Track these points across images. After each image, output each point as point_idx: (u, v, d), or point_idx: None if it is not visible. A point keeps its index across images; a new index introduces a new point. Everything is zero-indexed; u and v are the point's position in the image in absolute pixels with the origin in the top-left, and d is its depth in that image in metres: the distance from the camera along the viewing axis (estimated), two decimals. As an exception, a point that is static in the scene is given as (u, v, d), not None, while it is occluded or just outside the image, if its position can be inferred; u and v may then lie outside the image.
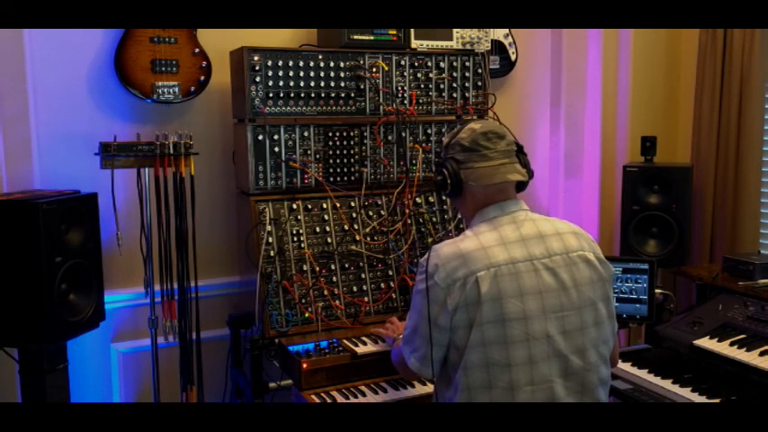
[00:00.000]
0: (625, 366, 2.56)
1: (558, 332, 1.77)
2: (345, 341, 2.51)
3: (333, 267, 2.68)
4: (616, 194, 3.66)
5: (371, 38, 2.79)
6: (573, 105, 3.69)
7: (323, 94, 2.73)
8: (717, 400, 2.27)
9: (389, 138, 2.86)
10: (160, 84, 2.74)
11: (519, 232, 1.84)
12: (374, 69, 2.79)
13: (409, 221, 2.81)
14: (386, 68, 2.80)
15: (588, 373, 1.81)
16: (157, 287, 2.67)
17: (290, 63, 2.66)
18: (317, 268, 2.65)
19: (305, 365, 2.33)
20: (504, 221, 1.87)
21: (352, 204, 2.78)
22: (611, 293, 1.90)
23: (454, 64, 2.94)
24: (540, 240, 1.84)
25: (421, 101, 2.88)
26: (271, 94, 2.64)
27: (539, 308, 1.76)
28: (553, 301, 1.78)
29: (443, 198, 2.91)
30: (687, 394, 2.33)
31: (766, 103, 3.46)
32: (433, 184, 2.00)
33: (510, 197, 1.92)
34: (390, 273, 2.76)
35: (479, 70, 2.99)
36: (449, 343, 1.81)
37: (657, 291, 2.87)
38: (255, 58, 2.60)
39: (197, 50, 2.80)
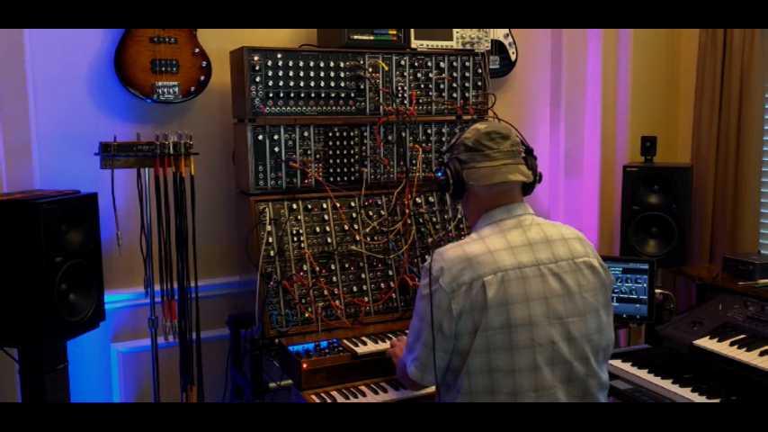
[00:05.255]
0: (625, 366, 2.56)
1: (562, 339, 1.76)
2: (345, 341, 2.51)
3: (333, 267, 2.68)
4: (616, 194, 3.66)
5: (371, 38, 2.79)
6: (573, 105, 3.69)
7: (323, 94, 2.73)
8: (717, 400, 2.27)
9: (389, 138, 2.86)
10: (160, 84, 2.74)
11: (525, 236, 1.83)
12: (373, 69, 2.79)
13: (409, 221, 2.81)
14: (386, 68, 2.80)
15: (590, 379, 1.81)
16: (157, 287, 2.67)
17: (290, 63, 2.66)
18: (317, 268, 2.65)
19: (305, 365, 2.33)
20: (510, 225, 1.85)
21: (352, 204, 2.78)
22: (610, 301, 1.91)
23: (454, 64, 2.94)
24: (547, 245, 1.83)
25: (421, 101, 2.88)
26: (271, 94, 2.64)
27: (544, 313, 1.75)
28: (558, 307, 1.77)
29: (444, 198, 2.91)
30: (687, 394, 2.33)
31: (766, 103, 3.46)
32: (436, 184, 1.99)
33: (515, 200, 1.90)
34: (390, 273, 2.76)
35: (479, 70, 2.99)
36: (452, 350, 1.80)
37: (657, 291, 2.87)
38: (255, 58, 2.60)
39: (197, 50, 2.80)
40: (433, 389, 2.01)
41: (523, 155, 1.93)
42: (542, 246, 1.82)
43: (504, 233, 1.83)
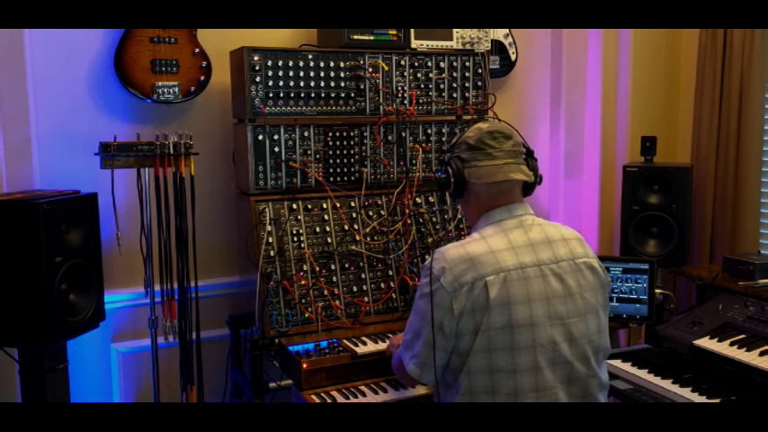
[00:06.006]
0: (625, 366, 2.56)
1: (563, 339, 1.77)
2: (345, 341, 2.51)
3: (333, 267, 2.68)
4: (616, 194, 3.66)
5: (371, 38, 2.79)
6: (573, 105, 3.69)
7: (323, 94, 2.73)
8: (717, 400, 2.27)
9: (389, 138, 2.86)
10: (160, 84, 2.74)
11: (527, 236, 1.83)
12: (373, 69, 2.79)
13: (409, 221, 2.81)
14: (386, 68, 2.80)
15: (591, 380, 1.81)
16: (157, 287, 2.67)
17: (290, 63, 2.66)
18: (317, 268, 2.65)
19: (305, 365, 2.33)
20: (512, 225, 1.86)
21: (352, 204, 2.78)
22: (608, 302, 1.91)
23: (454, 64, 2.94)
24: (548, 245, 1.83)
25: (421, 101, 2.88)
26: (271, 94, 2.64)
27: (545, 314, 1.76)
28: (559, 308, 1.77)
29: (444, 198, 2.91)
30: (687, 394, 2.33)
31: (766, 103, 3.46)
32: (437, 182, 1.98)
33: (516, 200, 1.90)
34: (390, 273, 2.76)
35: (479, 70, 2.99)
36: (452, 349, 1.80)
37: (657, 291, 2.87)
38: (255, 58, 2.60)
39: (197, 50, 2.80)
40: (431, 389, 2.01)
41: (524, 156, 1.94)
42: (543, 246, 1.82)
43: (506, 233, 1.83)
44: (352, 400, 2.30)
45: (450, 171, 1.92)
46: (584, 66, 3.67)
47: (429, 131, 2.91)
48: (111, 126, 2.78)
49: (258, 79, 2.61)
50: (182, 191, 2.63)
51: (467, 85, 2.97)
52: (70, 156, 2.76)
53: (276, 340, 2.52)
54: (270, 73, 2.63)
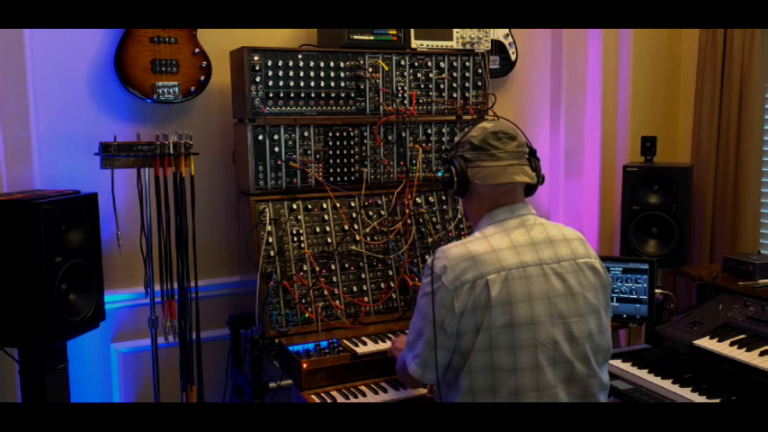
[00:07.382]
0: (625, 366, 2.56)
1: (564, 338, 1.77)
2: (345, 341, 2.51)
3: (333, 267, 2.68)
4: (616, 194, 3.66)
5: (371, 38, 2.79)
6: (573, 105, 3.69)
7: (323, 94, 2.73)
8: (717, 400, 2.27)
9: (389, 138, 2.86)
10: (160, 84, 2.74)
11: (529, 236, 1.83)
12: (373, 69, 2.79)
13: (409, 221, 2.81)
14: (386, 68, 2.80)
15: (591, 380, 1.81)
16: (157, 287, 2.67)
17: (290, 63, 2.66)
18: (317, 268, 2.65)
19: (305, 365, 2.33)
20: (514, 224, 1.86)
21: (352, 204, 2.78)
22: (610, 302, 1.91)
23: (454, 64, 2.94)
24: (550, 245, 1.83)
25: (421, 101, 2.88)
26: (271, 94, 2.64)
27: (546, 313, 1.76)
28: (561, 307, 1.78)
29: (444, 198, 2.91)
30: (687, 394, 2.32)
31: (766, 103, 3.46)
32: (440, 181, 1.98)
33: (518, 200, 1.91)
34: (390, 273, 2.76)
35: (479, 70, 2.99)
36: (454, 348, 1.80)
37: (657, 291, 2.87)
38: (255, 58, 2.61)
39: (197, 50, 2.80)
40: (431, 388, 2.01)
41: (527, 156, 1.94)
42: (545, 245, 1.82)
43: (508, 232, 1.84)
44: (352, 400, 2.30)
45: (454, 170, 1.91)
46: (584, 66, 3.67)
47: (429, 131, 2.91)
48: (111, 126, 2.79)
49: (258, 79, 2.61)
50: (182, 191, 2.63)
51: (467, 85, 2.97)
52: (70, 156, 2.76)
53: (276, 340, 2.52)
54: (270, 73, 2.63)
